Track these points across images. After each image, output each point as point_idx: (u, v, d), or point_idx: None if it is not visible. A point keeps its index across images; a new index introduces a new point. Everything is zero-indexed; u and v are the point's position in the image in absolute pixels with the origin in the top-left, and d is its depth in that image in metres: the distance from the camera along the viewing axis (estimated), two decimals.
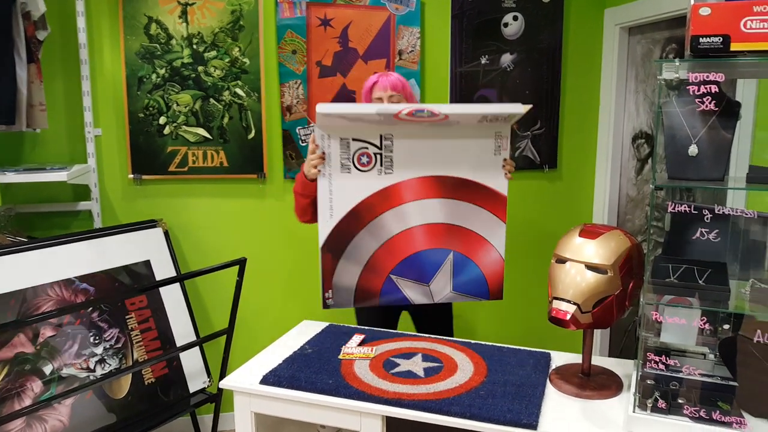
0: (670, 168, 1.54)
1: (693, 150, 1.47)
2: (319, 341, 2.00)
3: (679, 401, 1.48)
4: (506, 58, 3.19)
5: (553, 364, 1.85)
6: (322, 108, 1.90)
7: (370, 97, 2.27)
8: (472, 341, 2.00)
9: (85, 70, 2.76)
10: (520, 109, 1.92)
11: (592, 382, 1.71)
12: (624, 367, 1.84)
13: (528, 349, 1.94)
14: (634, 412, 1.48)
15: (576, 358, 1.89)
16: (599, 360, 1.87)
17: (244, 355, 3.27)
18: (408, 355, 1.88)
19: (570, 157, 3.39)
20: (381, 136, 2.00)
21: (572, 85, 3.31)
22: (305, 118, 2.97)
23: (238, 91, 2.89)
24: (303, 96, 2.95)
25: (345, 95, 2.98)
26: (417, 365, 1.81)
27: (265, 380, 1.73)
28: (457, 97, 3.12)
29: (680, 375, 1.56)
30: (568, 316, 1.56)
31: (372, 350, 1.89)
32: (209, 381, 2.76)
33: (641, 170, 3.26)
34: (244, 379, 1.77)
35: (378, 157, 2.02)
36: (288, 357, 1.87)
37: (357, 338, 1.99)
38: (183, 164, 2.91)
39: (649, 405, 1.47)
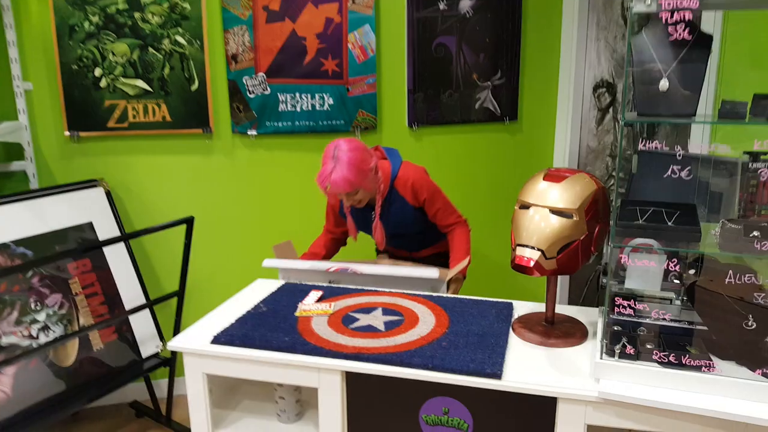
0: (640, 104, 1.47)
1: (664, 84, 1.40)
2: (275, 299, 1.90)
3: (648, 346, 1.43)
4: (465, 4, 3.06)
5: (516, 314, 1.79)
6: (267, 263, 2.18)
7: (321, 189, 2.17)
8: (434, 294, 1.93)
9: (8, 17, 2.53)
10: (435, 274, 2.03)
11: (557, 330, 1.66)
12: (588, 315, 1.79)
13: (490, 299, 1.88)
14: (601, 358, 1.43)
15: (539, 307, 1.84)
16: (562, 309, 1.83)
17: (197, 318, 3.16)
18: (368, 309, 1.80)
19: (531, 109, 3.32)
20: (330, 281, 2.17)
21: (533, 33, 3.22)
22: (252, 68, 2.81)
23: (179, 39, 2.70)
24: (249, 43, 2.78)
25: (295, 42, 2.82)
26: (377, 319, 1.73)
27: (217, 340, 1.62)
28: (414, 44, 2.99)
29: (647, 321, 1.52)
30: (532, 263, 1.49)
31: (330, 306, 1.80)
32: (162, 345, 2.64)
33: (602, 120, 3.22)
34: (194, 339, 1.66)
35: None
36: (241, 316, 1.77)
37: (314, 295, 1.89)
38: (122, 119, 2.72)
39: (617, 351, 1.42)
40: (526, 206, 1.56)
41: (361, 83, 2.94)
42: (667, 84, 1.40)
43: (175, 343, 1.65)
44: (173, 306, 2.57)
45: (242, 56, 2.78)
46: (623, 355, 1.42)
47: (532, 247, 1.51)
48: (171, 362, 2.56)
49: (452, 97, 3.12)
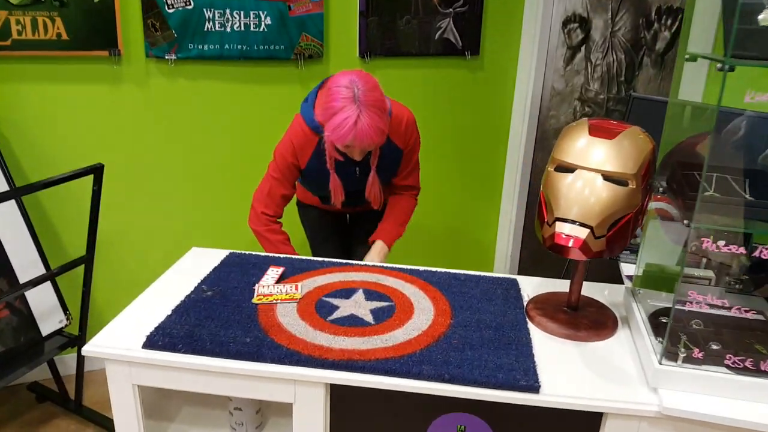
0: (735, 43, 1.12)
1: (765, 17, 1.06)
2: (221, 277, 1.47)
3: (713, 347, 1.16)
4: None
5: (524, 294, 1.48)
6: None
7: (338, 144, 1.68)
8: (420, 268, 1.58)
9: None
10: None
11: (583, 319, 1.36)
12: (601, 292, 1.52)
13: (488, 275, 1.56)
14: (660, 363, 1.14)
15: (549, 285, 1.54)
16: (562, 285, 1.53)
17: (110, 288, 2.60)
18: (346, 292, 1.42)
19: (494, 43, 2.95)
20: None
21: None
22: None
23: None
24: None
25: None
26: (361, 306, 1.36)
27: (151, 342, 1.20)
28: None
29: (697, 309, 1.24)
30: (577, 243, 1.16)
31: (297, 288, 1.41)
32: (67, 319, 2.13)
33: (572, 59, 2.90)
34: (120, 340, 1.22)
35: None
36: (180, 304, 1.34)
37: (274, 272, 1.48)
38: (4, 36, 2.10)
39: (681, 354, 1.14)
40: (566, 168, 1.22)
41: (305, 1, 2.44)
42: None
43: (93, 347, 1.21)
44: (80, 274, 2.06)
45: None
46: (689, 360, 1.14)
47: (577, 223, 1.17)
48: (79, 340, 2.08)
49: (410, 24, 2.69)
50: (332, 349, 1.18)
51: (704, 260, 1.52)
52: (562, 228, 1.18)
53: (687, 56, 1.27)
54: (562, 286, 1.54)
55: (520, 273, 3.35)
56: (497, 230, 3.37)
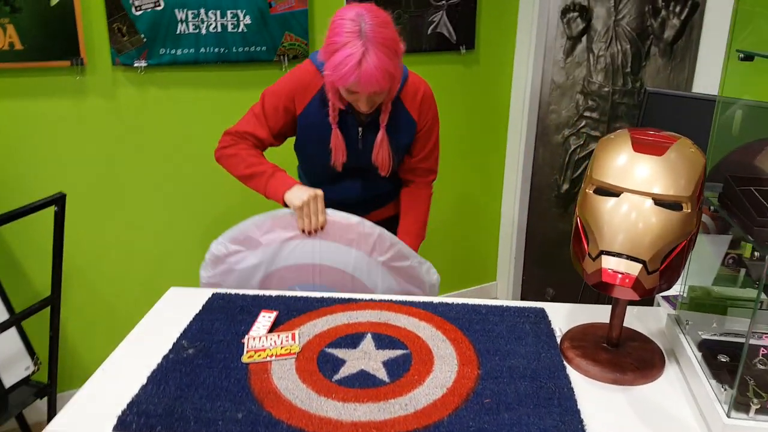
0: None
1: None
2: (204, 328, 1.27)
3: None
4: None
5: (555, 326, 1.30)
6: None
7: (338, 88, 1.47)
8: (435, 300, 1.39)
9: None
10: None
11: (627, 357, 1.18)
12: (632, 313, 1.34)
13: (513, 304, 1.37)
14: (729, 416, 0.96)
15: (578, 312, 1.35)
16: (595, 312, 1.35)
17: (83, 323, 2.34)
18: (352, 339, 1.23)
19: (489, 36, 2.76)
20: None
21: None
22: None
23: None
24: None
25: None
26: (372, 358, 1.16)
27: (124, 425, 0.99)
28: None
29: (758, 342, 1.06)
30: (629, 281, 0.98)
31: (295, 339, 1.21)
32: (35, 365, 1.91)
33: (572, 50, 2.72)
34: (86, 420, 1.02)
35: None
36: (157, 369, 1.13)
37: (265, 318, 1.28)
38: None
39: (754, 406, 0.96)
40: (609, 192, 1.03)
41: None
42: None
43: (57, 428, 1.00)
44: (46, 313, 1.84)
45: None
46: (762, 411, 0.96)
47: (624, 256, 0.99)
48: (49, 388, 1.86)
49: (401, 19, 2.48)
50: (343, 424, 0.98)
51: (743, 272, 1.35)
52: (609, 263, 0.99)
53: (741, 55, 1.08)
54: (595, 313, 1.36)
55: (524, 272, 3.18)
56: (499, 229, 3.20)
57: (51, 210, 1.69)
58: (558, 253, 2.99)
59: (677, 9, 2.32)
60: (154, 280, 2.35)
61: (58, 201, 1.62)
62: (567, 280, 2.91)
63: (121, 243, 2.27)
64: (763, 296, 1.28)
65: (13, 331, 1.85)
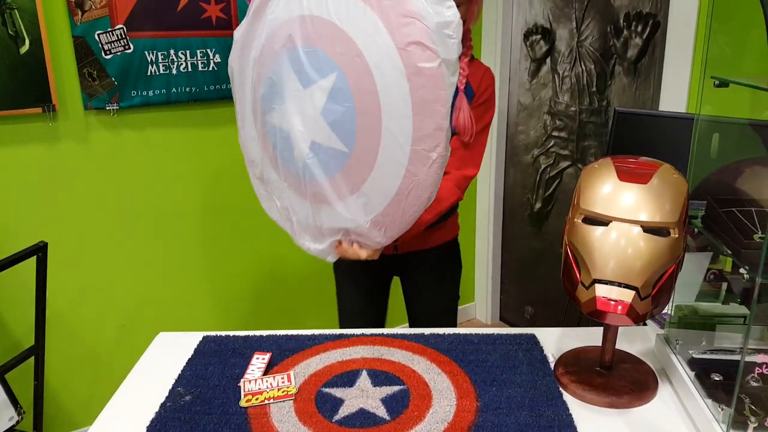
0: None
1: None
2: (198, 373, 1.25)
3: None
4: None
5: (548, 352, 1.31)
6: None
7: None
8: (426, 332, 1.40)
9: None
10: None
11: (621, 380, 1.20)
12: (625, 341, 1.37)
13: (504, 332, 1.39)
14: None
15: (568, 336, 1.38)
16: (584, 336, 1.37)
17: (65, 368, 2.28)
18: (347, 377, 1.23)
19: None
20: None
21: None
22: (106, 17, 2.00)
23: None
24: None
25: None
26: (369, 396, 1.16)
27: None
28: None
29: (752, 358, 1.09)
30: (623, 309, 1.00)
31: (290, 380, 1.20)
32: (19, 415, 1.85)
33: (537, 72, 2.79)
34: None
35: None
36: (155, 418, 1.11)
37: (259, 360, 1.27)
38: None
39: (752, 424, 0.99)
40: (597, 221, 1.06)
41: None
42: None
43: None
44: (28, 361, 1.79)
45: (91, 2, 1.96)
46: (759, 429, 0.99)
47: (616, 283, 1.02)
48: None
49: None
50: None
51: (724, 286, 1.39)
52: (602, 291, 1.02)
53: (716, 82, 1.13)
54: (584, 336, 1.38)
55: (502, 291, 3.21)
56: (475, 250, 3.23)
57: (31, 263, 1.66)
58: (534, 271, 3.04)
59: (639, 28, 2.40)
60: (134, 323, 2.31)
61: (40, 250, 1.59)
62: (544, 297, 2.95)
63: (100, 287, 2.23)
64: (744, 310, 1.33)
65: None
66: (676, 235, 1.03)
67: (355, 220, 1.29)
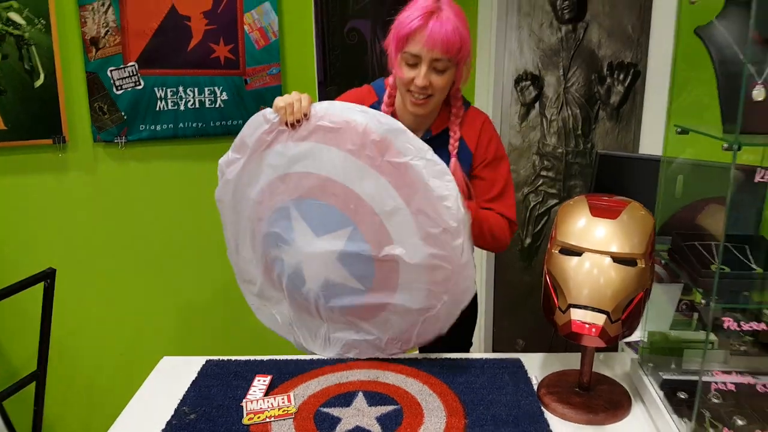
0: (730, 117, 1.10)
1: (759, 93, 1.04)
2: (202, 394, 1.33)
3: (739, 422, 1.10)
4: None
5: (531, 374, 1.40)
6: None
7: (401, 50, 1.37)
8: (419, 356, 1.48)
9: None
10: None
11: (599, 399, 1.29)
12: (599, 359, 1.46)
13: (491, 356, 1.48)
14: None
15: (551, 360, 1.46)
16: (566, 360, 1.46)
17: (67, 403, 2.34)
18: (344, 398, 1.30)
19: None
20: None
21: None
22: (119, 55, 2.13)
23: (14, 16, 1.95)
24: (115, 23, 2.09)
25: (175, 22, 2.18)
26: (365, 414, 1.24)
27: None
28: (324, 28, 2.47)
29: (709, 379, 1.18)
30: (596, 331, 1.10)
31: (290, 400, 1.27)
32: None
33: (526, 116, 2.92)
34: None
35: None
36: None
37: (260, 382, 1.35)
38: None
39: None
40: (571, 251, 1.16)
41: (262, 74, 2.36)
42: (764, 93, 1.04)
43: None
44: (28, 390, 1.84)
45: (105, 40, 2.09)
46: None
47: (590, 308, 1.11)
48: None
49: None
50: None
51: (695, 316, 1.49)
52: (577, 315, 1.12)
53: (678, 129, 1.25)
54: (565, 360, 1.47)
55: (494, 324, 3.28)
56: None
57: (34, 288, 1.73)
58: (525, 305, 3.12)
59: (621, 77, 2.55)
60: (133, 352, 2.36)
61: (49, 276, 1.66)
62: (535, 330, 3.03)
63: (101, 315, 2.30)
64: (714, 338, 1.43)
65: None
66: (644, 265, 1.13)
67: (375, 336, 1.44)
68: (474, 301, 1.80)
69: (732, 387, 1.15)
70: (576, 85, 2.71)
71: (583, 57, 2.65)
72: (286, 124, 1.33)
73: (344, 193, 1.33)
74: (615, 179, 2.10)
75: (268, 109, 1.36)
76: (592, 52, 2.61)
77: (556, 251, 1.19)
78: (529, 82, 2.87)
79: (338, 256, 1.36)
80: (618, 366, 1.45)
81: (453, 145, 1.48)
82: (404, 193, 1.29)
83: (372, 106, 1.44)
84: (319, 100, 2.43)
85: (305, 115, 1.32)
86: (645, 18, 2.41)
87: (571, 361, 1.45)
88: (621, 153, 2.15)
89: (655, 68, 2.29)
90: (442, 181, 1.27)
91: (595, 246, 1.14)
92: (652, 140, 2.34)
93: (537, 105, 2.88)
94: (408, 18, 1.34)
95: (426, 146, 1.29)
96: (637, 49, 2.48)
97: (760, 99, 1.05)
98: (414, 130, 1.36)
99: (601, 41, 2.58)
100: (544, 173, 2.91)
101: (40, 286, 1.70)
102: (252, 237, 1.47)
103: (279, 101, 1.35)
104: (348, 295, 1.40)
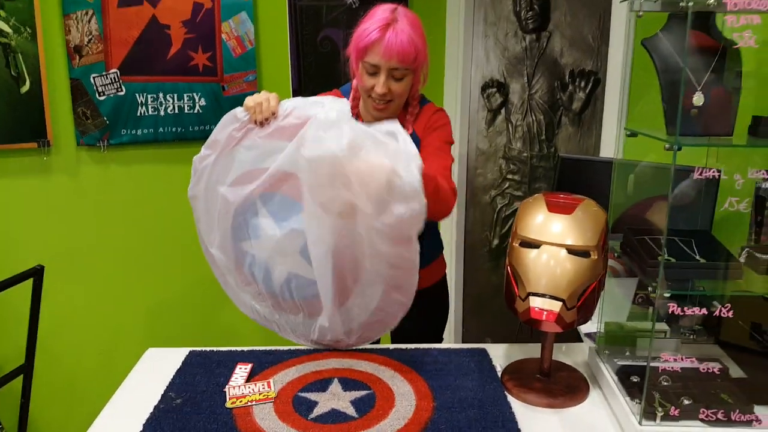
0: (673, 121, 1.22)
1: (699, 99, 1.17)
2: (187, 381, 1.41)
3: (685, 402, 1.22)
4: None
5: (496, 363, 1.50)
6: None
7: (360, 60, 1.47)
8: (390, 346, 1.58)
9: None
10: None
11: (558, 385, 1.40)
12: (561, 351, 1.57)
13: (458, 346, 1.58)
14: (641, 424, 1.19)
15: (514, 350, 1.57)
16: (529, 350, 1.57)
17: (50, 398, 2.41)
18: (320, 384, 1.39)
19: None
20: None
21: None
22: (102, 63, 2.19)
23: (1, 25, 2.01)
24: (98, 32, 2.16)
25: (156, 31, 2.25)
26: (340, 398, 1.33)
27: None
28: (298, 37, 2.56)
29: (663, 365, 1.30)
30: (551, 316, 1.21)
31: (270, 386, 1.36)
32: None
33: (493, 121, 3.05)
34: None
35: None
36: (150, 417, 1.26)
37: (242, 369, 1.43)
38: None
39: (659, 413, 1.19)
40: (530, 244, 1.27)
41: (239, 81, 2.45)
42: (703, 98, 1.17)
43: None
44: (14, 383, 1.89)
45: (89, 48, 2.15)
46: (666, 417, 1.19)
47: (550, 297, 1.22)
48: None
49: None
50: None
51: (651, 309, 1.61)
52: (535, 303, 1.23)
53: (627, 132, 1.37)
54: (528, 350, 1.57)
55: (464, 324, 3.39)
56: None
57: (23, 285, 1.79)
58: (492, 304, 3.24)
59: (582, 84, 2.69)
60: (114, 348, 2.42)
61: (37, 273, 1.73)
62: (502, 328, 3.15)
63: (83, 311, 2.36)
64: (666, 327, 1.56)
65: None
66: (596, 257, 1.25)
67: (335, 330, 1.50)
68: (445, 299, 1.91)
69: (678, 369, 1.28)
70: (540, 92, 2.85)
71: (546, 65, 2.79)
72: (255, 122, 1.40)
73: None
74: (576, 181, 2.23)
75: (239, 108, 1.43)
76: (554, 60, 2.75)
77: (517, 244, 1.30)
78: (495, 89, 3.00)
79: (300, 250, 1.42)
80: (579, 356, 1.56)
81: (409, 120, 1.60)
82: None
83: None
84: None
85: (273, 113, 1.39)
86: (604, 28, 2.56)
87: (532, 350, 1.55)
88: (581, 156, 2.29)
89: (613, 76, 2.43)
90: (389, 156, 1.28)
91: (552, 239, 1.25)
92: (611, 144, 2.49)
93: (503, 111, 3.01)
94: (366, 31, 1.44)
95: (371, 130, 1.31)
96: (597, 57, 2.62)
97: (699, 104, 1.17)
98: None
99: (563, 50, 2.72)
100: (510, 176, 3.04)
101: (23, 284, 1.76)
102: (223, 232, 1.52)
103: (249, 101, 1.41)
104: (312, 286, 1.44)
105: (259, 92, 1.44)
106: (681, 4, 1.10)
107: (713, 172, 1.11)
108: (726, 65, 1.18)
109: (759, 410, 1.20)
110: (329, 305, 1.44)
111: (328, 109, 1.34)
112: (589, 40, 2.64)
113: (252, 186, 1.43)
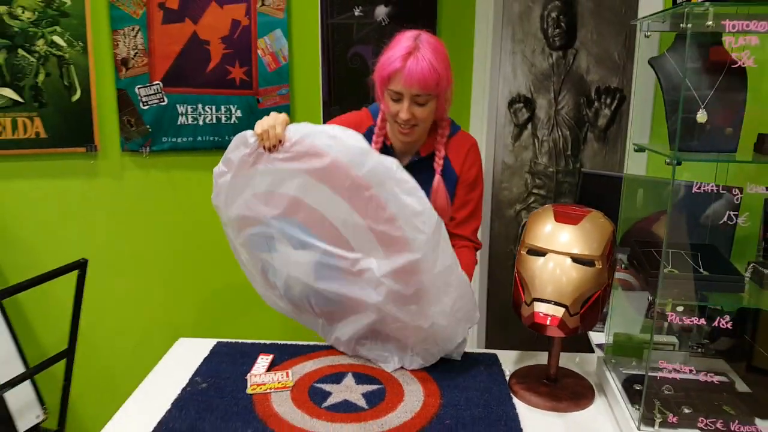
0: (678, 139, 1.27)
1: (702, 116, 1.22)
2: (212, 369, 1.51)
3: (686, 411, 1.26)
4: (381, 11, 2.81)
5: (506, 369, 1.57)
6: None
7: (385, 88, 1.52)
8: None
9: None
10: None
11: (563, 390, 1.45)
12: (575, 361, 1.62)
13: (469, 351, 1.64)
14: (639, 429, 1.24)
15: (524, 357, 1.63)
16: (538, 358, 1.62)
17: (88, 383, 2.56)
18: (335, 377, 1.48)
19: None
20: None
21: (447, 43, 3.04)
22: (146, 75, 2.35)
23: (57, 39, 2.19)
24: (143, 46, 2.32)
25: (197, 46, 2.40)
26: (353, 391, 1.41)
27: None
28: (329, 53, 2.68)
29: (667, 375, 1.35)
30: (554, 321, 1.27)
31: (288, 376, 1.46)
32: (44, 414, 2.09)
33: (519, 136, 3.11)
34: None
35: None
36: (178, 398, 1.37)
37: (263, 360, 1.53)
38: None
39: (657, 420, 1.24)
40: (537, 252, 1.34)
41: (272, 94, 2.58)
42: (706, 116, 1.22)
43: None
44: (55, 366, 2.03)
45: (134, 61, 2.31)
46: (665, 424, 1.24)
47: (554, 303, 1.29)
48: None
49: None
50: None
51: (666, 324, 1.65)
52: (540, 308, 1.29)
53: (635, 147, 1.43)
54: (538, 358, 1.63)
55: (487, 335, 3.43)
56: None
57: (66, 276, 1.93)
58: (516, 318, 3.28)
59: (608, 101, 2.74)
60: (148, 341, 2.56)
61: (81, 266, 1.86)
62: (527, 341, 3.18)
63: (121, 304, 2.51)
64: (674, 339, 1.59)
65: (26, 382, 2.04)
66: (601, 266, 1.31)
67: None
68: None
69: (681, 379, 1.32)
70: (566, 107, 2.90)
71: (572, 82, 2.85)
72: (264, 147, 1.43)
73: (318, 216, 1.44)
74: (597, 196, 2.28)
75: (250, 132, 1.45)
76: (581, 77, 2.81)
77: (525, 252, 1.37)
78: (522, 105, 3.07)
79: (314, 267, 1.48)
80: (590, 366, 1.60)
81: (438, 163, 1.62)
82: (372, 214, 1.37)
83: (369, 129, 1.63)
84: (324, 118, 2.64)
85: (280, 141, 1.41)
86: (629, 46, 2.61)
87: (542, 358, 1.61)
88: (602, 171, 2.33)
89: (638, 93, 2.48)
90: (413, 197, 1.34)
91: (558, 248, 1.31)
92: (635, 161, 2.52)
93: (529, 126, 3.07)
94: (388, 60, 1.49)
95: (394, 164, 1.35)
96: (622, 75, 2.67)
97: (702, 121, 1.23)
98: (404, 153, 1.58)
99: (589, 67, 2.78)
100: (535, 191, 3.09)
101: (68, 276, 1.90)
102: (244, 241, 1.59)
103: (258, 127, 1.43)
104: (333, 301, 1.51)
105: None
106: (681, 25, 1.16)
107: (711, 186, 1.16)
108: (730, 84, 1.23)
109: (761, 423, 1.23)
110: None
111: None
112: (614, 57, 2.69)
113: (266, 208, 1.49)
